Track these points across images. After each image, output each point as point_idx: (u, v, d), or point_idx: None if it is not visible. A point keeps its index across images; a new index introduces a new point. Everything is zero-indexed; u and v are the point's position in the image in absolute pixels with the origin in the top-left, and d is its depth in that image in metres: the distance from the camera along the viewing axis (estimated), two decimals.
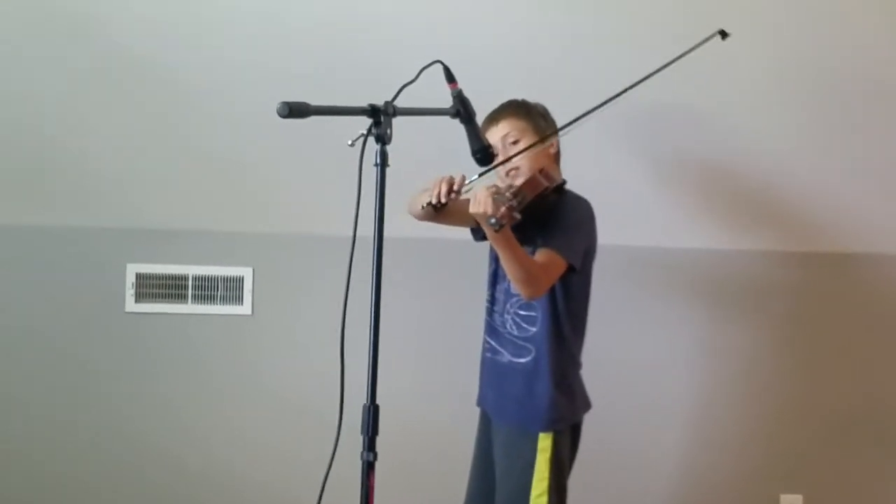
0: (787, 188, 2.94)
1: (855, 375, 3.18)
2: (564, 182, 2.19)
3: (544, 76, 2.54)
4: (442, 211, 2.08)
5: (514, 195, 1.92)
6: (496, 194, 1.91)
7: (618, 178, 2.84)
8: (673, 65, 2.16)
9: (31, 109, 2.69)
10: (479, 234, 2.32)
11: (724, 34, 2.19)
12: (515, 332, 2.22)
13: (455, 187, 2.02)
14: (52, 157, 2.81)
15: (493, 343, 2.29)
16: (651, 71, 2.14)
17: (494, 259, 2.27)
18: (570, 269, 2.12)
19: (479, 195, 1.92)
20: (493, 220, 1.86)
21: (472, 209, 1.93)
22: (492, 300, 2.30)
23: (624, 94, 2.12)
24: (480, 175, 2.06)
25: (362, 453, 1.69)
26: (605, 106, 2.12)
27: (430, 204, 2.05)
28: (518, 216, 1.90)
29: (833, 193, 2.94)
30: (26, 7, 2.45)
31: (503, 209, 1.86)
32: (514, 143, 2.21)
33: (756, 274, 3.15)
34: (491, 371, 2.31)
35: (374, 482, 1.70)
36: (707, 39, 2.19)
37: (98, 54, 2.56)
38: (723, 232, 3.06)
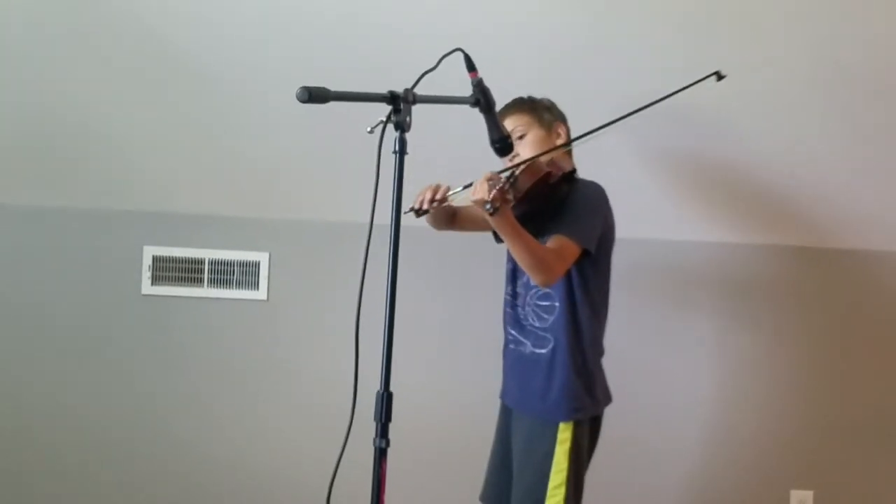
0: (803, 183, 2.91)
1: (868, 373, 3.16)
2: (574, 171, 2.19)
3: (564, 67, 2.53)
4: (423, 216, 2.17)
5: (508, 178, 1.95)
6: (491, 180, 1.93)
7: (631, 171, 2.82)
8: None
9: (58, 96, 2.70)
10: (499, 237, 2.34)
11: (719, 76, 2.19)
12: (536, 324, 2.22)
13: (438, 196, 2.10)
14: (74, 142, 2.83)
15: (515, 334, 2.29)
16: (651, 101, 2.15)
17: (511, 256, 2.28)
18: (586, 254, 2.12)
19: (477, 183, 1.95)
20: (487, 205, 1.89)
21: (471, 197, 1.97)
22: (514, 294, 2.30)
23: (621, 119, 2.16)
24: (464, 187, 2.10)
25: (375, 440, 1.70)
26: (602, 130, 2.15)
27: (412, 209, 2.13)
28: (510, 198, 1.93)
29: (850, 190, 2.92)
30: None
31: (495, 192, 1.88)
32: (521, 137, 2.24)
33: (772, 270, 3.13)
34: (514, 363, 2.31)
35: (385, 469, 1.69)
36: (702, 79, 2.19)
37: (122, 43, 2.56)
38: (739, 226, 3.05)
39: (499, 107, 2.14)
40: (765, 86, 2.60)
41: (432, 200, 2.10)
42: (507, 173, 1.99)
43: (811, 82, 2.59)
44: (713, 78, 2.19)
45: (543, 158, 2.10)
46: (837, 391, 3.15)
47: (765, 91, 2.62)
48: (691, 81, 2.18)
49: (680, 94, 2.17)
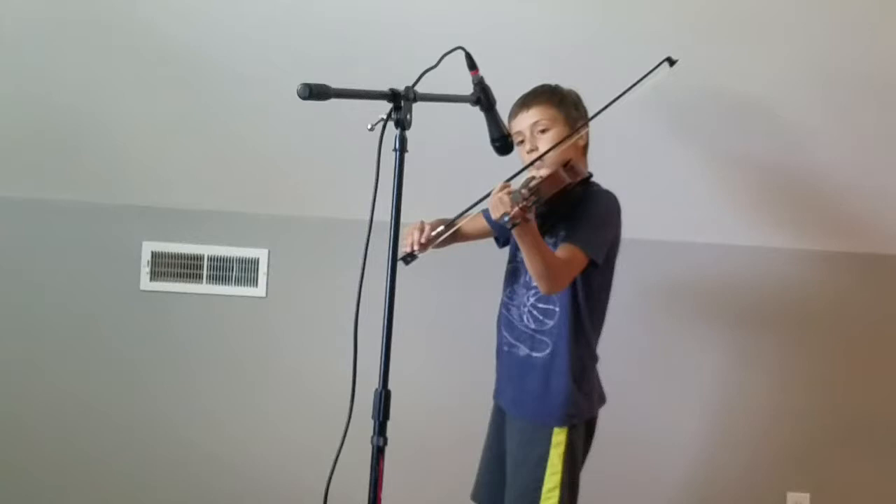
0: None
1: (865, 377, 3.17)
2: (590, 175, 2.17)
3: (567, 66, 2.53)
4: (413, 261, 2.15)
5: (532, 192, 1.86)
6: (510, 193, 1.88)
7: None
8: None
9: (59, 87, 2.69)
10: (500, 242, 2.34)
11: (671, 62, 2.15)
12: (532, 326, 2.19)
13: (423, 238, 2.11)
14: (74, 136, 2.82)
15: (508, 337, 2.27)
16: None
17: (514, 255, 2.27)
18: (592, 264, 2.10)
19: (496, 196, 1.92)
20: (506, 219, 1.85)
21: (492, 213, 1.95)
22: (511, 294, 2.28)
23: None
24: (447, 226, 2.17)
25: (372, 438, 1.70)
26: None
27: (401, 258, 2.10)
28: (531, 216, 1.88)
29: (849, 193, 2.91)
30: None
31: (516, 209, 1.83)
32: (543, 131, 2.16)
33: (770, 273, 3.13)
34: (509, 365, 2.28)
35: (383, 467, 1.70)
36: (656, 67, 2.16)
37: (121, 38, 2.56)
38: (739, 228, 3.04)
39: (501, 104, 2.13)
40: (765, 87, 2.60)
41: (420, 242, 2.10)
42: (527, 188, 1.89)
43: (811, 83, 2.59)
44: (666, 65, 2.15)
45: (565, 166, 2.06)
46: (834, 394, 3.16)
47: (765, 91, 2.62)
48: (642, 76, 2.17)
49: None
